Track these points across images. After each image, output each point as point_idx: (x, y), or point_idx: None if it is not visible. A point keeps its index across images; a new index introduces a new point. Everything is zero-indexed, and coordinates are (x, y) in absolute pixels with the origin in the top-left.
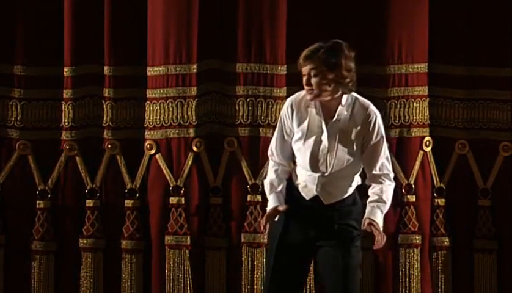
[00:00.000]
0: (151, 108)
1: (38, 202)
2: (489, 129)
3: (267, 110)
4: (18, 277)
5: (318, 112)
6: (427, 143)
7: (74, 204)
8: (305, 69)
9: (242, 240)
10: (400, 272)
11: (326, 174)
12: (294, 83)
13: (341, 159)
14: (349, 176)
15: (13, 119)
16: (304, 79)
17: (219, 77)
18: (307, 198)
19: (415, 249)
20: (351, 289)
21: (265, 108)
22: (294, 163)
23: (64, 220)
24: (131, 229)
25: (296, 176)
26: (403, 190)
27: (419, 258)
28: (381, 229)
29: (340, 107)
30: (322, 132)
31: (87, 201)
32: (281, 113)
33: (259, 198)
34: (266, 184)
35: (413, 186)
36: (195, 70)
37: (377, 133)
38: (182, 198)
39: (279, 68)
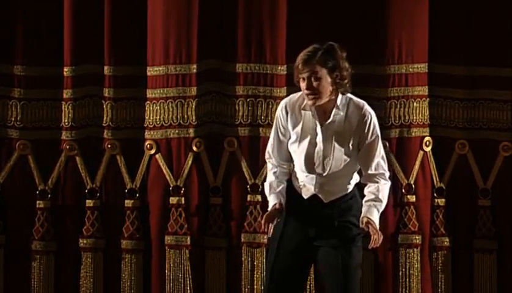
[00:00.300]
0: (151, 108)
1: (38, 202)
2: (489, 129)
3: (267, 110)
4: (18, 277)
5: (313, 114)
6: (428, 143)
7: (74, 204)
8: (305, 74)
9: (242, 240)
10: (400, 272)
11: (324, 174)
12: (294, 83)
13: (338, 159)
14: (347, 175)
15: (13, 119)
16: (304, 83)
17: (219, 77)
18: (306, 197)
19: (415, 249)
20: (351, 289)
21: (265, 108)
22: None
23: (64, 220)
24: (131, 229)
25: (295, 176)
26: (403, 190)
27: (419, 258)
28: (378, 228)
29: (335, 108)
30: (317, 134)
31: (87, 201)
32: (276, 115)
33: (259, 198)
34: (266, 186)
35: (413, 186)
36: (195, 70)
37: (372, 133)
38: (182, 198)
39: (279, 68)
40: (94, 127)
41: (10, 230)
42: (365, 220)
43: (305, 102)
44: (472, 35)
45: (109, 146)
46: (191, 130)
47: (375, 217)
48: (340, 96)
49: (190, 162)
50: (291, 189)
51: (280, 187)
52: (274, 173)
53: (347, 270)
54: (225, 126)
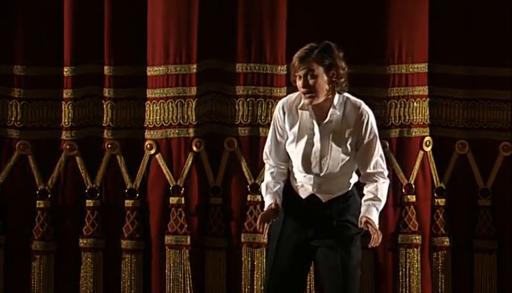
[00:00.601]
0: (151, 108)
1: (38, 202)
2: (489, 129)
3: (267, 110)
4: (18, 277)
5: (310, 114)
6: (428, 143)
7: (74, 204)
8: (301, 72)
9: (242, 240)
10: (400, 272)
11: (321, 174)
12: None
13: (336, 159)
14: (345, 175)
15: (13, 119)
16: (300, 81)
17: (219, 77)
18: (304, 197)
19: (415, 249)
20: (350, 289)
21: (265, 108)
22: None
23: (64, 220)
24: (131, 229)
25: (293, 176)
26: (403, 190)
27: (419, 258)
28: (377, 227)
29: (331, 107)
30: (314, 134)
31: (87, 201)
32: (273, 116)
33: (259, 198)
34: (262, 186)
35: (413, 186)
36: (195, 70)
37: (370, 132)
38: (182, 198)
39: (279, 68)
40: (94, 127)
41: (10, 230)
42: (364, 219)
43: (302, 101)
44: (472, 35)
45: (109, 146)
46: (191, 130)
47: (374, 217)
48: (336, 95)
49: (190, 162)
50: (289, 189)
51: (277, 187)
52: (271, 173)
53: (347, 270)
54: (225, 126)
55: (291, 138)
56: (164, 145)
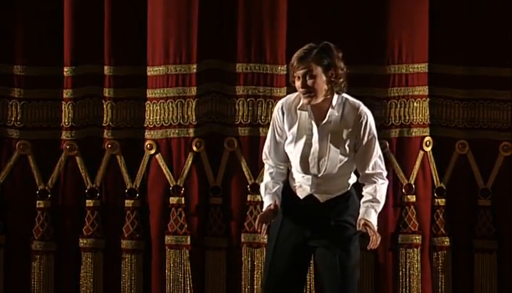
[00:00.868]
0: (151, 108)
1: (38, 202)
2: (489, 129)
3: (267, 110)
4: (18, 277)
5: (309, 115)
6: (428, 143)
7: (74, 204)
8: (299, 72)
9: (242, 240)
10: (400, 272)
11: (319, 175)
12: None
13: (334, 160)
14: (343, 175)
15: (13, 119)
16: (299, 81)
17: (219, 77)
18: (302, 197)
19: (415, 249)
20: (349, 289)
21: (265, 108)
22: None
23: (64, 220)
24: (131, 229)
25: (292, 177)
26: (403, 190)
27: (419, 258)
28: (376, 229)
29: (330, 108)
30: (313, 134)
31: (87, 201)
32: (272, 116)
33: (259, 198)
34: (261, 186)
35: (413, 186)
36: (195, 70)
37: (369, 134)
38: (182, 198)
39: (279, 68)
40: (94, 127)
41: (10, 230)
42: (362, 222)
43: (301, 102)
44: (472, 35)
45: (109, 146)
46: (191, 130)
47: (372, 219)
48: (335, 95)
49: (190, 162)
50: (288, 189)
51: (276, 188)
52: (270, 173)
53: (345, 270)
54: (225, 126)
55: (289, 138)
56: (164, 145)
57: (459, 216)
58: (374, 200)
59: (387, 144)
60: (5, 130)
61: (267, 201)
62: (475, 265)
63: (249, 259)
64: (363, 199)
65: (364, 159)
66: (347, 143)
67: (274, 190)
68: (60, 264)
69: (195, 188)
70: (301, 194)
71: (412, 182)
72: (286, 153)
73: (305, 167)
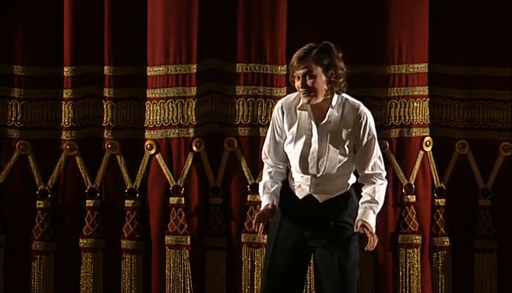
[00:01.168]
0: (151, 108)
1: (38, 202)
2: (489, 129)
3: (267, 110)
4: (18, 277)
5: (309, 115)
6: (428, 143)
7: (74, 204)
8: (299, 72)
9: (242, 240)
10: (400, 272)
11: (318, 175)
12: None
13: (333, 160)
14: (342, 175)
15: (13, 119)
16: (299, 81)
17: (219, 77)
18: (300, 197)
19: (415, 249)
20: (348, 289)
21: (265, 108)
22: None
23: (64, 220)
24: (131, 229)
25: (291, 176)
26: (403, 190)
27: (419, 258)
28: (374, 230)
29: (330, 108)
30: (312, 134)
31: (87, 201)
32: (272, 115)
33: (259, 198)
34: (260, 186)
35: (413, 186)
36: (195, 70)
37: (369, 134)
38: (182, 198)
39: (279, 68)
40: (94, 127)
41: (10, 230)
42: (360, 223)
43: (301, 101)
44: (472, 35)
45: (109, 146)
46: (191, 130)
47: (371, 220)
48: (335, 96)
49: (190, 162)
50: (287, 189)
51: (274, 187)
52: (269, 173)
53: (344, 270)
54: (225, 126)
55: (289, 138)
56: (164, 145)
57: (459, 216)
58: (373, 201)
59: (387, 144)
60: (5, 130)
61: (265, 201)
62: (475, 265)
63: (249, 259)
64: (361, 200)
65: (363, 159)
66: (347, 143)
67: (272, 189)
68: (60, 264)
69: (195, 188)
70: (300, 194)
71: (412, 182)
72: (285, 153)
73: (304, 167)
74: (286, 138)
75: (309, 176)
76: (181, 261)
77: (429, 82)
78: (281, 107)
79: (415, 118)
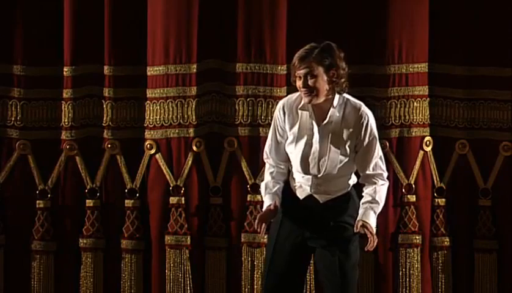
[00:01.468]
0: (151, 108)
1: (38, 202)
2: (489, 129)
3: (267, 110)
4: (18, 277)
5: (310, 115)
6: (428, 142)
7: (74, 204)
8: (301, 72)
9: (242, 240)
10: (400, 272)
11: (319, 175)
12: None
13: (334, 160)
14: (343, 176)
15: (13, 119)
16: (300, 81)
17: (219, 77)
18: (301, 198)
19: (416, 249)
20: (348, 289)
21: (265, 108)
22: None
23: (64, 220)
24: (131, 229)
25: (292, 176)
26: (403, 190)
27: (419, 258)
28: (374, 231)
29: (331, 108)
30: (313, 134)
31: (87, 201)
32: (274, 116)
33: (259, 198)
34: (262, 186)
35: (413, 186)
36: (195, 70)
37: (370, 135)
38: (182, 198)
39: (279, 67)
40: (94, 127)
41: (10, 230)
42: (360, 223)
43: (303, 102)
44: (472, 35)
45: (109, 146)
46: (191, 130)
47: (371, 220)
48: (336, 96)
49: (190, 162)
50: (288, 189)
51: (276, 188)
52: (271, 173)
53: (345, 270)
54: (225, 126)
55: (290, 138)
56: (164, 145)
57: (459, 216)
58: (374, 201)
59: (387, 144)
60: (5, 130)
61: (267, 201)
62: (475, 265)
63: (249, 259)
64: (362, 200)
65: (365, 159)
66: (348, 143)
67: (274, 189)
68: (60, 264)
69: (195, 188)
70: (301, 194)
71: (412, 182)
72: (287, 153)
73: (305, 167)
74: (287, 138)
75: (310, 176)
76: (181, 261)
77: (429, 81)
78: (283, 107)
79: (415, 117)
